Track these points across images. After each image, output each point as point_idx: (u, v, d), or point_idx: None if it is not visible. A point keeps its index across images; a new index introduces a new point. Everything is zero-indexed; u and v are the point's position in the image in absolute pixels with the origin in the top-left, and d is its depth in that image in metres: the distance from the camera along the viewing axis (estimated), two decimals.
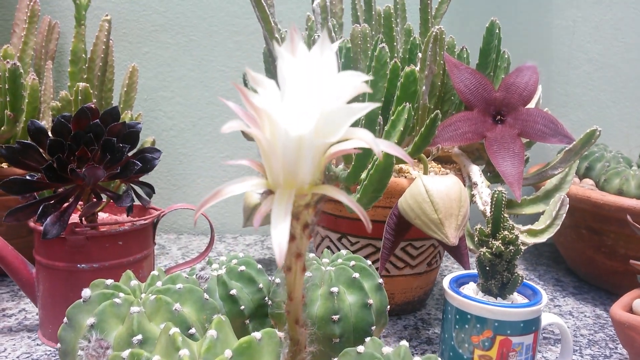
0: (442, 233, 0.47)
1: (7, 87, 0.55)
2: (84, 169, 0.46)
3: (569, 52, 0.90)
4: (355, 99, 0.23)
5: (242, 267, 0.39)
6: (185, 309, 0.32)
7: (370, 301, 0.34)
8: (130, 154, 0.49)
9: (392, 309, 0.60)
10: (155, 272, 0.35)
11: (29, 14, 0.67)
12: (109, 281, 0.33)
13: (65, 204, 0.48)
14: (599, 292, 0.72)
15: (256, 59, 0.88)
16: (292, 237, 0.20)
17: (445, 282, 0.43)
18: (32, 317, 0.58)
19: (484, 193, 0.52)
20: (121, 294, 0.32)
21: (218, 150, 0.90)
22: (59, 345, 0.32)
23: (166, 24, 0.86)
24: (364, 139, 0.18)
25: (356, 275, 0.35)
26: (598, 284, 0.73)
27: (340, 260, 0.37)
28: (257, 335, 0.23)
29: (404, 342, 0.31)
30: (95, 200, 0.49)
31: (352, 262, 0.37)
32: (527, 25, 0.90)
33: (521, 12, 0.89)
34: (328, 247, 0.61)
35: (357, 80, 0.19)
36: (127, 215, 0.53)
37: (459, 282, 0.45)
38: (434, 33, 0.53)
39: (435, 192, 0.47)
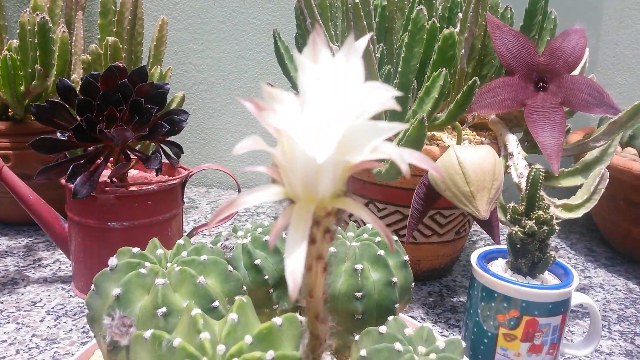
0: (472, 206, 0.45)
1: (36, 41, 0.54)
2: (112, 130, 0.45)
3: (621, 9, 0.84)
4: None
5: (267, 237, 0.39)
6: (210, 281, 0.32)
7: (395, 279, 0.34)
8: (157, 114, 0.49)
9: (417, 276, 0.59)
10: (180, 241, 0.35)
11: None
12: (136, 249, 0.34)
13: (95, 164, 0.48)
14: (633, 266, 0.70)
15: (288, 11, 0.85)
16: (313, 241, 0.19)
17: (473, 258, 0.42)
18: (66, 268, 0.60)
19: (520, 165, 0.50)
20: (147, 264, 0.32)
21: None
22: (86, 310, 0.33)
23: None
24: (389, 154, 0.17)
25: (381, 252, 0.34)
26: (633, 257, 0.71)
27: (365, 235, 0.37)
28: (277, 320, 0.23)
29: (427, 324, 0.31)
30: (124, 160, 0.49)
31: (378, 238, 0.36)
32: None
33: None
34: None
35: (385, 95, 0.17)
36: (157, 175, 0.53)
37: (487, 258, 0.44)
38: None
39: (468, 163, 0.46)
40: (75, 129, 0.45)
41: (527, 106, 0.52)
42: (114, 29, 0.65)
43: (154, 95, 0.48)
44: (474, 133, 0.58)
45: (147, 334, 0.24)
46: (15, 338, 0.47)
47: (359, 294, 0.33)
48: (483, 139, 0.56)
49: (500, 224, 0.51)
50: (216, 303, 0.31)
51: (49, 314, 0.51)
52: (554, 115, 0.52)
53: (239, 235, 0.41)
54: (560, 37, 0.54)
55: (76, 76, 0.69)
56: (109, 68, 0.47)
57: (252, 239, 0.39)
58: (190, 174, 0.56)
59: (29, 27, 0.55)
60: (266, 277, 0.38)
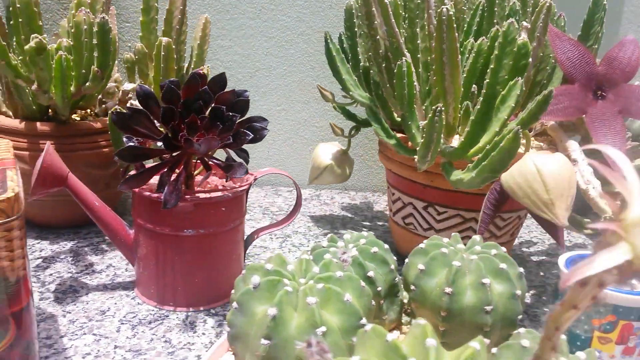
0: (552, 213, 0.47)
1: (95, 42, 0.52)
2: (200, 139, 0.45)
3: None
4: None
5: (375, 249, 0.40)
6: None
7: (519, 292, 0.35)
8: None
9: None
10: (305, 256, 0.35)
11: None
12: (269, 266, 0.34)
13: (175, 173, 0.47)
14: None
15: (318, 8, 0.84)
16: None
17: (561, 262, 0.44)
18: (122, 273, 0.59)
19: (586, 172, 0.52)
20: (286, 280, 0.33)
21: (275, 102, 0.88)
22: (228, 329, 0.33)
23: None
24: None
25: (503, 266, 0.36)
26: None
27: (478, 248, 0.38)
28: (476, 345, 0.24)
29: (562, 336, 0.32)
30: (205, 169, 0.48)
31: (494, 251, 0.37)
32: None
33: None
34: (411, 215, 0.61)
35: None
36: (226, 181, 0.53)
37: (574, 263, 0.46)
38: (547, 4, 0.51)
39: (547, 171, 0.47)
40: (164, 138, 0.44)
41: (589, 114, 0.55)
42: (161, 28, 0.63)
43: (235, 103, 0.47)
44: (532, 138, 0.60)
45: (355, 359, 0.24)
46: (98, 350, 0.46)
47: (488, 308, 0.34)
48: (542, 144, 0.58)
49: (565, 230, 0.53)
50: (364, 320, 0.32)
51: (123, 324, 0.50)
52: (614, 123, 0.54)
53: (340, 246, 0.41)
54: (617, 47, 0.56)
55: (119, 75, 0.67)
56: (193, 75, 0.46)
57: (360, 251, 0.40)
58: (255, 178, 0.56)
59: (85, 27, 0.53)
60: (379, 288, 0.38)
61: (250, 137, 0.47)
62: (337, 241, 0.42)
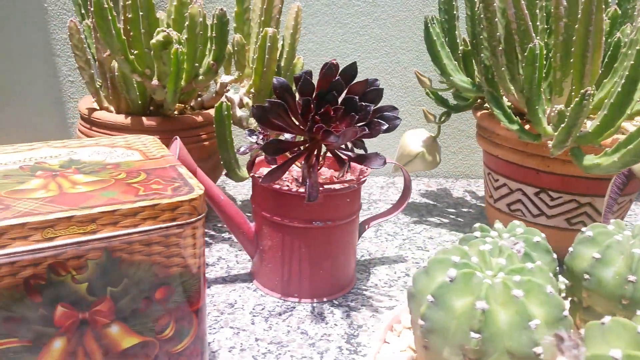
0: None
1: (214, 34, 0.52)
2: (342, 131, 0.44)
3: None
4: None
5: (537, 238, 0.39)
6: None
7: None
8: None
9: None
10: (484, 248, 0.35)
11: None
12: (456, 258, 0.33)
13: (312, 164, 0.47)
14: None
15: None
16: None
17: None
18: (235, 265, 0.59)
19: None
20: (478, 273, 0.32)
21: None
22: (422, 322, 0.33)
23: None
24: None
25: None
26: None
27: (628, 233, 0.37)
28: None
29: None
30: (337, 162, 0.48)
31: None
32: None
33: None
34: (519, 201, 0.61)
35: None
36: (339, 175, 0.52)
37: None
38: None
39: None
40: (308, 130, 0.44)
41: None
42: (259, 21, 0.62)
43: (368, 93, 0.47)
44: None
45: (616, 353, 0.24)
46: (241, 343, 0.46)
47: (632, 278, 0.34)
48: None
49: None
50: (566, 312, 0.31)
51: (254, 316, 0.50)
52: None
53: (493, 235, 0.41)
54: None
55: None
56: (329, 66, 0.45)
57: (525, 241, 0.39)
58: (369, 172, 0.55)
59: (200, 19, 0.53)
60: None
61: (386, 126, 0.46)
62: (489, 231, 0.42)
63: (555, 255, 0.40)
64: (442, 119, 0.71)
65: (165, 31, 0.47)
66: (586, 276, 0.38)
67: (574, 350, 0.25)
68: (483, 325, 0.30)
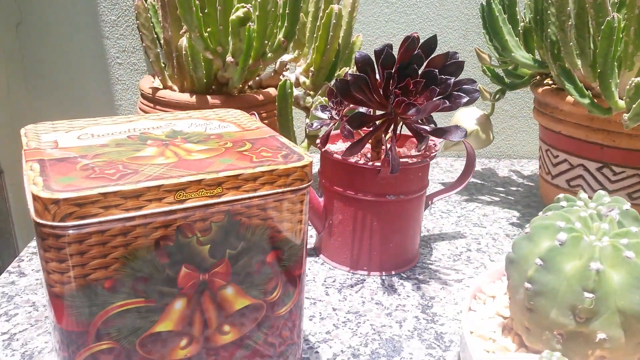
0: None
1: (287, 11, 0.52)
2: (424, 104, 0.45)
3: None
4: None
5: (627, 206, 0.40)
6: None
7: None
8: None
9: None
10: (584, 214, 0.36)
11: None
12: (561, 223, 0.34)
13: (393, 138, 0.48)
14: None
15: None
16: None
17: None
18: None
19: None
20: (585, 237, 0.33)
21: None
22: (528, 285, 0.33)
23: None
24: None
25: None
26: None
27: None
28: None
29: None
30: (415, 136, 0.48)
31: None
32: None
33: None
34: (580, 176, 0.61)
35: None
36: (420, 149, 0.53)
37: None
38: None
39: None
40: (391, 103, 0.44)
41: None
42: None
43: (447, 66, 0.47)
44: None
45: None
46: (320, 312, 0.47)
47: None
48: None
49: None
50: None
51: (327, 287, 0.51)
52: None
53: (579, 206, 0.42)
54: None
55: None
56: (411, 39, 0.45)
57: (620, 212, 0.40)
58: (439, 148, 0.56)
59: None
60: None
61: (466, 99, 0.47)
62: (575, 200, 0.42)
63: None
64: (496, 97, 0.71)
65: (245, 7, 0.48)
66: None
67: None
68: (597, 285, 0.31)
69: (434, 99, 0.45)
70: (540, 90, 0.63)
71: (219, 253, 0.32)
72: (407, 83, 0.46)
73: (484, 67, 0.70)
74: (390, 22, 0.85)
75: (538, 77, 0.66)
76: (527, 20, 0.64)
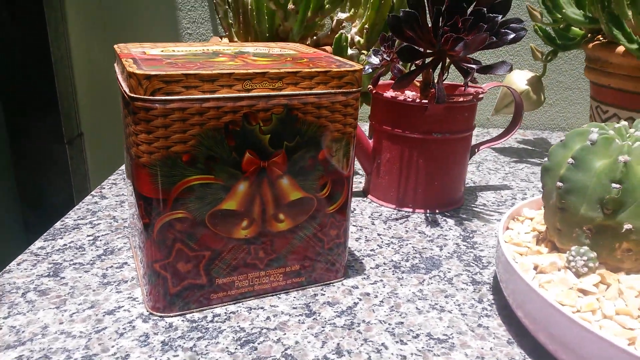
0: None
1: None
2: (470, 38, 0.48)
3: None
4: None
5: None
6: None
7: None
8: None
9: None
10: (619, 125, 0.38)
11: None
12: (593, 135, 0.36)
13: (442, 72, 0.51)
14: None
15: None
16: None
17: None
18: None
19: None
20: (617, 140, 0.35)
21: None
22: (560, 184, 0.36)
23: None
24: None
25: None
26: None
27: None
28: None
29: None
30: (462, 73, 0.51)
31: None
32: None
33: None
34: None
35: None
36: (465, 89, 0.56)
37: None
38: None
39: None
40: (439, 39, 0.48)
41: None
42: None
43: (496, 4, 0.50)
44: None
45: None
46: (365, 236, 0.51)
47: None
48: None
49: None
50: None
51: (374, 219, 0.55)
52: None
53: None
54: None
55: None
56: None
57: None
58: (486, 90, 0.58)
59: None
60: None
61: (512, 35, 0.49)
62: (614, 124, 0.44)
63: None
64: (549, 57, 0.73)
65: None
66: None
67: None
68: (624, 176, 0.33)
69: (482, 35, 0.48)
70: (590, 45, 0.64)
71: (277, 143, 0.37)
72: (456, 20, 0.49)
73: (536, 27, 0.71)
74: None
75: (589, 35, 0.67)
76: None
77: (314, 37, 0.72)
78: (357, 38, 0.70)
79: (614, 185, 0.33)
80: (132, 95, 0.32)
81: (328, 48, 0.71)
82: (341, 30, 0.70)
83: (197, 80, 0.33)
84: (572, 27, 0.70)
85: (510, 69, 0.49)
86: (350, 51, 0.70)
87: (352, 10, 0.69)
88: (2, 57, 0.84)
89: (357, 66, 0.38)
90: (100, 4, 0.91)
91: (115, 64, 0.40)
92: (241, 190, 0.37)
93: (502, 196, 0.63)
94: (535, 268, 0.37)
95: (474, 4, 0.50)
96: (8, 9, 0.79)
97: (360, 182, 0.65)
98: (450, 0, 0.49)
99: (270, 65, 0.36)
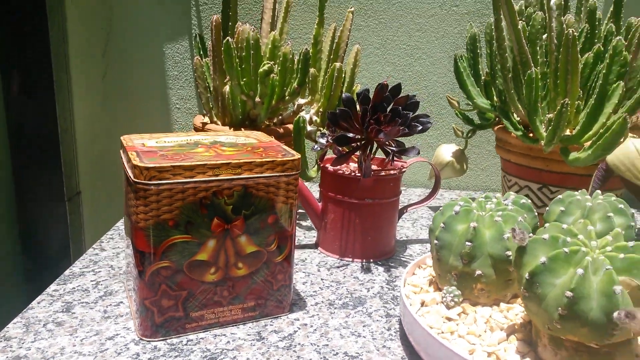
0: None
1: (300, 67, 0.74)
2: (389, 129, 0.64)
3: None
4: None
5: (524, 200, 0.56)
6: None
7: (632, 223, 0.51)
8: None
9: None
10: (481, 199, 0.53)
11: (284, 6, 0.85)
12: (461, 202, 0.51)
13: (367, 153, 0.67)
14: None
15: (432, 38, 1.04)
16: None
17: None
18: (303, 239, 0.78)
19: None
20: (474, 211, 0.50)
21: None
22: (436, 241, 0.51)
23: (360, 9, 1.02)
24: None
25: (622, 206, 0.52)
26: None
27: (601, 196, 0.54)
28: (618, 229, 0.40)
29: None
30: (384, 154, 0.67)
31: (613, 197, 0.53)
32: None
33: None
34: (527, 195, 0.77)
35: None
36: (389, 164, 0.71)
37: None
38: None
39: None
40: (365, 129, 0.64)
41: None
42: (327, 58, 0.84)
43: (408, 104, 0.66)
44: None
45: (546, 236, 0.41)
46: (311, 281, 0.65)
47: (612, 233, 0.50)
48: (634, 135, 0.73)
49: None
50: (530, 232, 0.48)
51: (320, 267, 0.69)
52: None
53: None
54: None
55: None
56: (380, 86, 0.65)
57: (514, 202, 0.56)
58: (407, 165, 0.74)
59: (290, 56, 0.75)
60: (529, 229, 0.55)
61: (420, 127, 0.65)
62: (491, 197, 0.59)
63: (536, 213, 0.57)
64: (468, 135, 0.89)
65: (269, 64, 0.69)
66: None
67: (520, 235, 0.42)
68: (474, 237, 0.48)
69: (397, 127, 0.64)
70: (496, 128, 0.81)
71: (237, 212, 0.51)
72: (379, 116, 0.65)
73: (456, 111, 0.88)
74: (391, 77, 1.06)
75: (497, 119, 0.84)
76: (487, 75, 0.83)
77: (280, 117, 0.89)
78: (314, 118, 0.86)
79: (467, 243, 0.48)
80: (135, 180, 0.47)
81: (291, 126, 0.87)
82: (301, 112, 0.87)
83: (181, 169, 0.48)
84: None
85: (418, 153, 0.65)
86: (309, 127, 0.86)
87: (310, 97, 0.86)
88: (17, 129, 0.99)
89: (297, 155, 0.53)
90: (103, 82, 1.07)
91: (121, 151, 0.55)
92: (210, 245, 0.51)
93: (427, 248, 0.77)
94: (422, 303, 0.51)
95: (392, 104, 0.66)
96: (25, 93, 0.95)
97: (314, 236, 0.79)
98: (375, 100, 0.66)
99: (234, 156, 0.51)
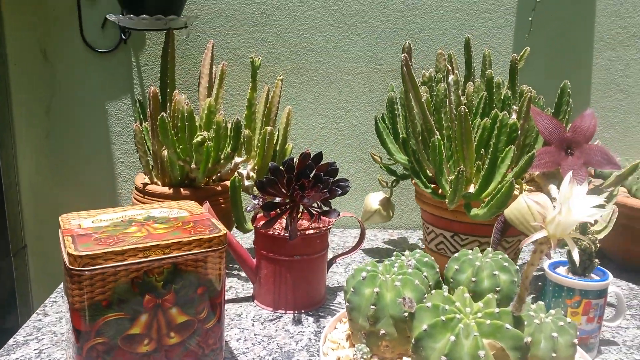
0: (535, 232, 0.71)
1: (232, 134, 0.80)
2: (308, 195, 0.71)
3: (604, 84, 1.14)
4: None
5: (427, 258, 0.64)
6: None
7: (516, 279, 0.60)
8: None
9: None
10: (388, 262, 0.60)
11: (219, 74, 0.91)
12: (369, 267, 0.58)
13: (293, 217, 0.73)
14: (631, 273, 0.97)
15: (360, 93, 1.12)
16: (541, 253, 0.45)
17: (546, 266, 0.68)
18: (241, 291, 0.84)
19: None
20: (380, 275, 0.57)
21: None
22: (347, 304, 0.57)
23: (294, 68, 1.10)
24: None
25: (506, 264, 0.60)
26: (630, 267, 0.98)
27: (490, 254, 0.62)
28: (489, 295, 0.48)
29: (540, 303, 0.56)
30: (309, 215, 0.74)
31: (500, 256, 0.62)
32: (571, 63, 1.13)
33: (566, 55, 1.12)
34: (442, 242, 0.86)
35: (594, 204, 0.43)
36: (312, 223, 0.78)
37: (553, 266, 0.70)
38: (529, 93, 0.77)
39: (534, 206, 0.72)
40: (291, 195, 0.70)
41: (562, 166, 0.79)
42: (261, 119, 0.91)
43: (329, 171, 0.74)
44: (524, 183, 0.85)
45: (429, 304, 0.49)
46: (245, 337, 0.70)
47: (497, 288, 0.59)
48: (531, 188, 0.83)
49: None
50: (425, 296, 0.56)
51: (254, 321, 0.75)
52: (580, 172, 0.79)
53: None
54: (579, 119, 0.82)
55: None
56: (303, 155, 0.72)
57: (417, 260, 0.64)
58: (334, 220, 0.81)
59: (223, 125, 0.81)
60: (430, 283, 0.63)
61: (340, 192, 0.72)
62: (400, 256, 0.67)
63: (437, 270, 0.65)
64: (392, 184, 0.98)
65: (202, 134, 0.75)
66: (451, 280, 0.62)
67: (409, 303, 0.49)
68: (377, 300, 0.55)
69: (319, 192, 0.71)
70: (413, 181, 0.89)
71: (168, 287, 0.56)
72: (303, 182, 0.72)
73: (380, 165, 0.97)
74: (325, 128, 1.14)
75: None
76: (404, 133, 0.92)
77: (219, 174, 0.94)
78: (251, 173, 0.93)
79: (371, 306, 0.55)
80: (70, 267, 0.52)
81: (229, 183, 0.93)
82: (238, 169, 0.93)
83: (112, 254, 0.53)
84: None
85: (338, 215, 0.72)
86: (247, 182, 0.92)
87: (246, 155, 0.92)
88: None
89: (222, 231, 0.59)
90: (47, 140, 1.10)
91: (59, 231, 0.59)
92: (143, 320, 0.56)
93: None
94: (338, 359, 0.58)
95: (314, 170, 0.73)
96: None
97: (251, 289, 0.85)
98: (299, 168, 0.73)
99: (164, 235, 0.57)
